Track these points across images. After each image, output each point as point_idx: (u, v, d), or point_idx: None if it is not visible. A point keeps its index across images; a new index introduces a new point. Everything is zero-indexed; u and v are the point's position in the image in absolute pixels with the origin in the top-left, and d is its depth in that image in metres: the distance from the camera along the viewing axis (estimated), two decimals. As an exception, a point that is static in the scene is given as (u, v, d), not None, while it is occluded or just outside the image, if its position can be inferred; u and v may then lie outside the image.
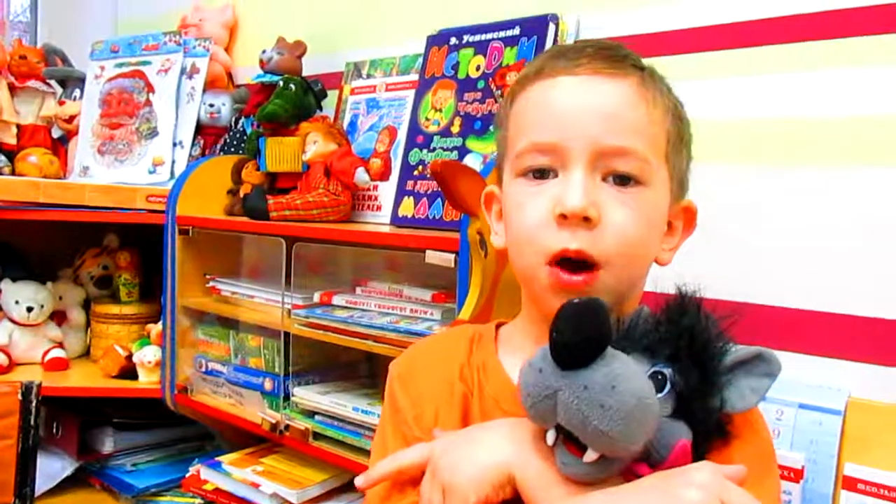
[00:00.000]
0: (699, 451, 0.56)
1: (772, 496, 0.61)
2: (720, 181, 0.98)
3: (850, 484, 0.86)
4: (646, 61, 0.67)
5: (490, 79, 1.14)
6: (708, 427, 0.57)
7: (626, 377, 0.51)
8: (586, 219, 0.59)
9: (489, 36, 1.15)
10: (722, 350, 0.57)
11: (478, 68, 1.16)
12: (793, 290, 0.95)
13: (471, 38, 1.18)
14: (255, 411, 1.30)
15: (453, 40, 1.20)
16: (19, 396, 1.12)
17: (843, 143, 0.93)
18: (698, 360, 0.56)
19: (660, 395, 0.54)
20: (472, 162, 1.10)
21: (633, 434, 0.51)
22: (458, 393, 0.67)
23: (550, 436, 0.55)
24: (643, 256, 0.64)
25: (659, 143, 0.63)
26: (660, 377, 0.55)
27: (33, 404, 1.13)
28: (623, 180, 0.61)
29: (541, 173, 0.63)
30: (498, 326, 0.73)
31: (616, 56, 0.64)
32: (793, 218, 0.96)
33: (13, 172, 1.70)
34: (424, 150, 1.21)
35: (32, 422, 1.13)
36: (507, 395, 0.64)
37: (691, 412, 0.56)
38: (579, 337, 0.51)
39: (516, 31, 1.11)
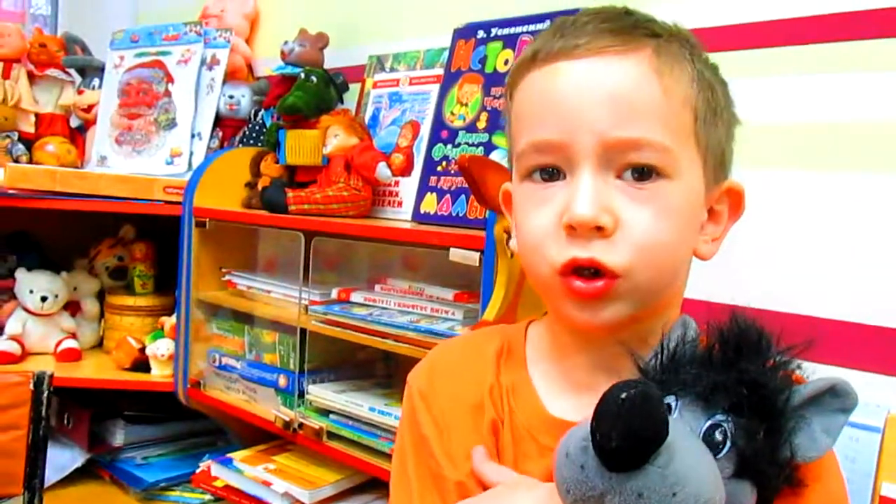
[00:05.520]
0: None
1: None
2: (756, 186, 0.95)
3: (888, 504, 0.82)
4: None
5: (518, 73, 1.11)
6: (775, 482, 0.49)
7: (688, 479, 0.43)
8: (599, 227, 0.52)
9: (519, 29, 1.12)
10: (789, 390, 0.49)
11: (506, 62, 1.13)
12: (831, 301, 0.92)
13: (499, 32, 1.15)
14: (269, 408, 1.27)
15: (481, 33, 1.17)
16: (31, 386, 1.11)
17: (886, 148, 0.89)
18: (764, 410, 0.48)
19: (720, 454, 0.47)
20: (499, 158, 1.06)
21: None
22: (489, 419, 0.60)
23: None
24: (672, 258, 0.56)
25: (683, 123, 0.55)
26: (719, 434, 0.47)
27: (45, 395, 1.11)
28: (642, 174, 0.53)
29: (548, 174, 0.55)
30: (528, 325, 0.67)
31: (622, 28, 0.55)
32: (832, 226, 0.93)
33: (31, 161, 1.69)
34: (449, 146, 1.18)
35: (43, 412, 1.11)
36: (540, 425, 0.59)
37: (757, 470, 0.48)
38: (629, 442, 0.42)
39: (547, 25, 1.08)
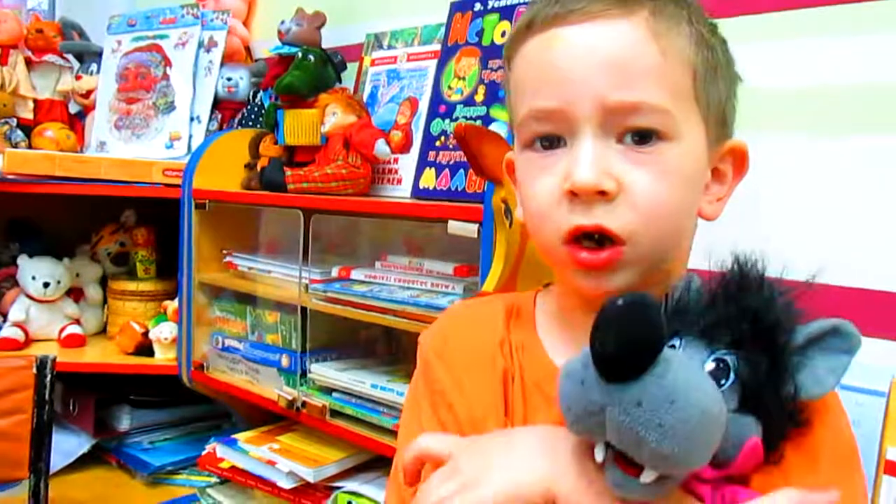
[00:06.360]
0: (771, 444, 0.49)
1: (861, 498, 0.53)
2: (764, 151, 0.94)
3: (893, 469, 0.81)
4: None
5: (516, 45, 1.09)
6: (780, 418, 0.49)
7: (686, 388, 0.43)
8: (602, 192, 0.52)
9: (515, 0, 1.11)
10: (792, 328, 0.49)
11: (503, 34, 1.11)
12: (834, 266, 0.90)
13: (496, 4, 1.13)
14: (272, 388, 1.27)
15: (478, 6, 1.16)
16: (34, 370, 1.11)
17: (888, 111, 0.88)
18: (766, 344, 0.48)
19: (723, 387, 0.47)
20: (497, 131, 1.05)
21: (698, 452, 0.44)
22: (500, 367, 0.61)
23: (599, 453, 0.47)
24: (677, 221, 0.56)
25: (682, 84, 0.54)
26: (721, 365, 0.48)
27: (48, 378, 1.11)
28: (642, 137, 0.53)
29: (549, 142, 0.55)
30: (536, 294, 0.67)
31: None
32: (836, 189, 0.92)
33: (30, 147, 1.68)
34: (447, 120, 1.16)
35: (47, 396, 1.11)
36: (548, 377, 0.58)
37: (761, 404, 0.48)
38: (626, 348, 0.42)
39: (543, -6, 1.07)
